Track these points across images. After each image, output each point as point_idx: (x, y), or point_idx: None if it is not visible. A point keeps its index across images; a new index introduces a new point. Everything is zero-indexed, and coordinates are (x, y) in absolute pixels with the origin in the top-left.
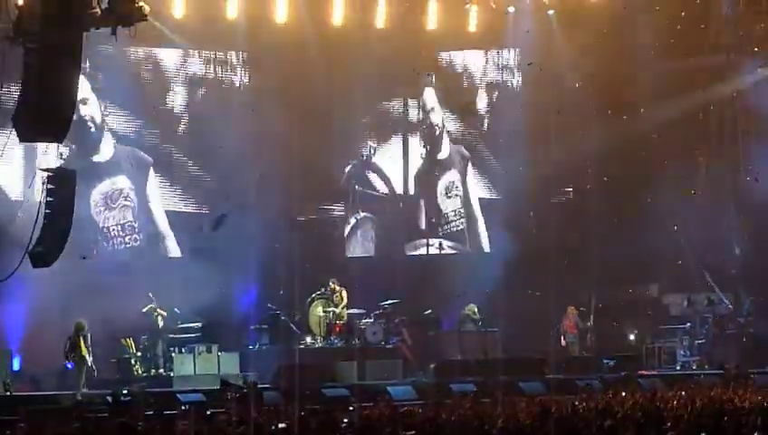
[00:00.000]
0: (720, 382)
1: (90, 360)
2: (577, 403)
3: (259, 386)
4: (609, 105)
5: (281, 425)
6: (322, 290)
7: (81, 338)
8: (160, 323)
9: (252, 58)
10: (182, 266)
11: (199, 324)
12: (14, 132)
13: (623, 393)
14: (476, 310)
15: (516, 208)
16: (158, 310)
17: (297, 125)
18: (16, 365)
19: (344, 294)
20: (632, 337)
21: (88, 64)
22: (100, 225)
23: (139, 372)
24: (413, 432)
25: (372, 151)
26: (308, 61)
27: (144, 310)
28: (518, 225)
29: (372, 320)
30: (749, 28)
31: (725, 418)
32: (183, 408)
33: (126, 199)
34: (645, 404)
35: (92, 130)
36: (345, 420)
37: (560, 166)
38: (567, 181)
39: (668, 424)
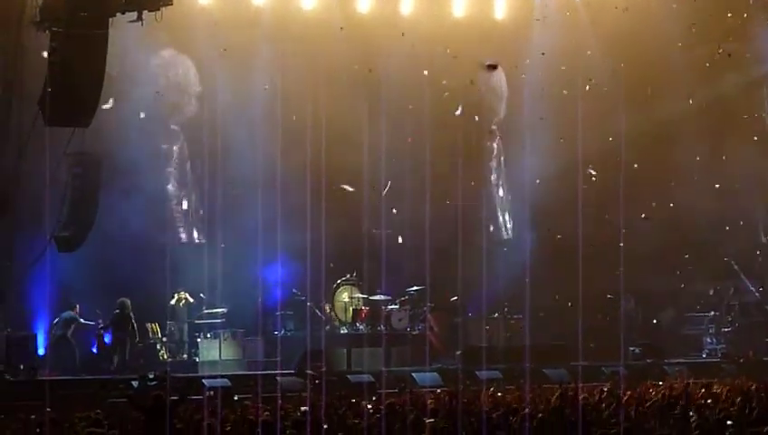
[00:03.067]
0: (735, 370)
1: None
2: (605, 389)
3: (284, 372)
4: (635, 92)
5: (303, 408)
6: (348, 276)
7: (129, 316)
8: (184, 309)
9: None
10: (208, 251)
11: (225, 310)
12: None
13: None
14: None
15: (542, 196)
16: (186, 296)
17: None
18: (41, 350)
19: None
20: (659, 325)
21: None
22: None
23: (165, 357)
24: (432, 420)
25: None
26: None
27: (172, 302)
28: (544, 212)
29: (398, 306)
30: None
31: (748, 406)
32: (209, 393)
33: None
34: (671, 393)
35: None
36: (370, 407)
37: (585, 154)
38: (593, 170)
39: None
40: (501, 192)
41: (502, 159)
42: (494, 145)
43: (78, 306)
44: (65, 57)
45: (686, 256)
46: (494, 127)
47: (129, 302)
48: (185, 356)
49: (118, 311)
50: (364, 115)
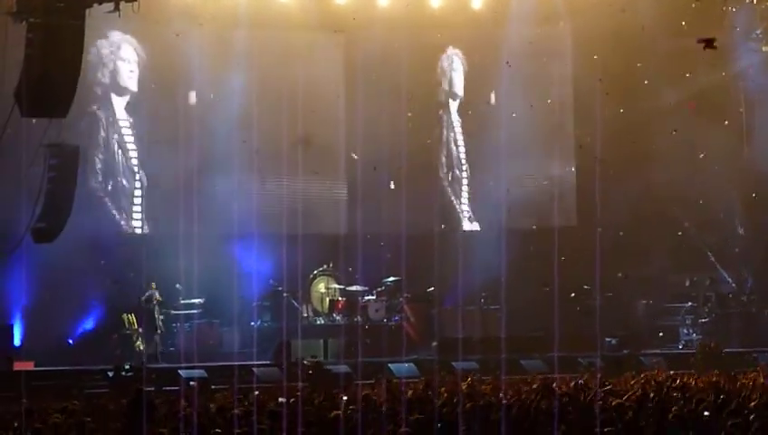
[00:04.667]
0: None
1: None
2: (581, 382)
3: (261, 363)
4: (612, 85)
5: (281, 399)
6: (325, 267)
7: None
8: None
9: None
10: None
11: (201, 301)
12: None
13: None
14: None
15: (521, 187)
16: (157, 296)
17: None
18: (17, 341)
19: None
20: (635, 316)
21: None
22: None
23: (140, 348)
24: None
25: None
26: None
27: (143, 298)
28: (518, 202)
29: (374, 297)
30: (752, 7)
31: (722, 397)
32: (190, 384)
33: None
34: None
35: None
36: (345, 398)
37: (561, 145)
38: (568, 161)
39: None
40: (450, 178)
41: (456, 147)
42: (443, 131)
43: None
44: (42, 48)
45: (679, 233)
46: (440, 112)
47: (156, 294)
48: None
49: (145, 302)
50: (341, 103)
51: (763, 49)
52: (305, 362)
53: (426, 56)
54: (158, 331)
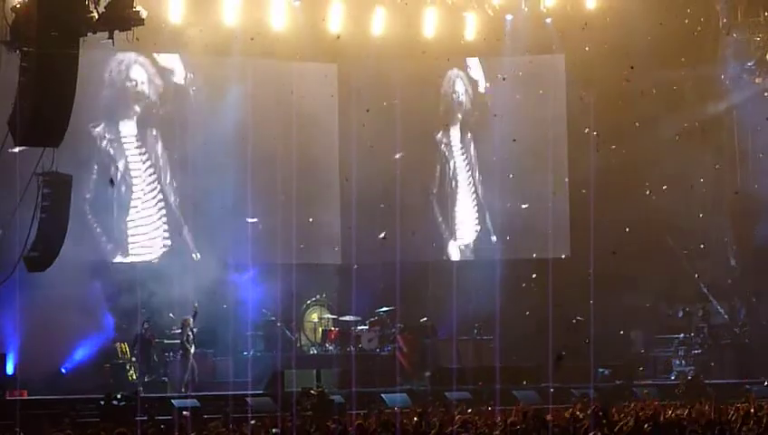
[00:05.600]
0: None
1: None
2: (578, 414)
3: (253, 393)
4: (606, 117)
5: (274, 430)
6: (318, 296)
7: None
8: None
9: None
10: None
11: (194, 330)
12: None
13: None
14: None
15: (513, 217)
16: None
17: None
18: (10, 369)
19: None
20: (628, 346)
21: None
22: None
23: (134, 377)
24: None
25: None
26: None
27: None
28: (512, 232)
29: (367, 327)
30: (746, 39)
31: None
32: (183, 413)
33: None
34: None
35: None
36: (339, 427)
37: (555, 177)
38: (562, 192)
39: None
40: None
41: (450, 177)
42: (435, 162)
43: None
44: (36, 77)
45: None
46: (439, 136)
47: (190, 319)
48: (153, 376)
49: (180, 330)
50: (335, 132)
51: (756, 81)
52: (311, 391)
53: (420, 86)
54: (191, 355)
